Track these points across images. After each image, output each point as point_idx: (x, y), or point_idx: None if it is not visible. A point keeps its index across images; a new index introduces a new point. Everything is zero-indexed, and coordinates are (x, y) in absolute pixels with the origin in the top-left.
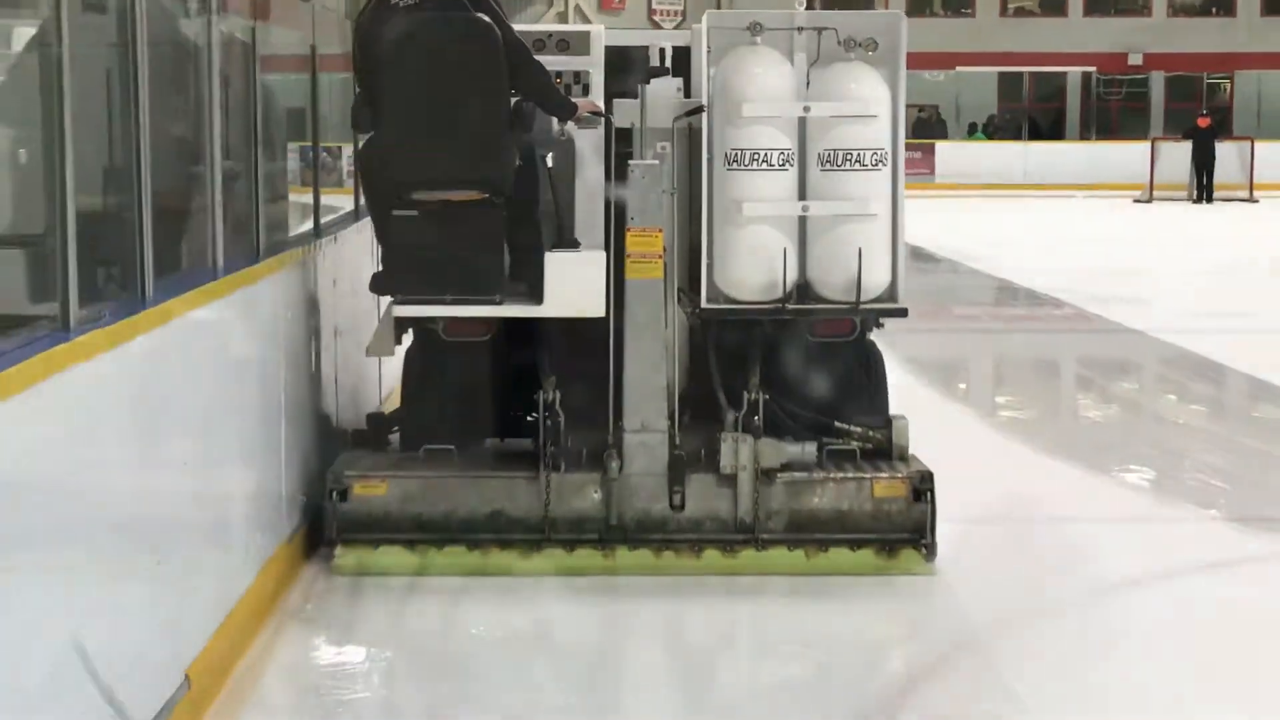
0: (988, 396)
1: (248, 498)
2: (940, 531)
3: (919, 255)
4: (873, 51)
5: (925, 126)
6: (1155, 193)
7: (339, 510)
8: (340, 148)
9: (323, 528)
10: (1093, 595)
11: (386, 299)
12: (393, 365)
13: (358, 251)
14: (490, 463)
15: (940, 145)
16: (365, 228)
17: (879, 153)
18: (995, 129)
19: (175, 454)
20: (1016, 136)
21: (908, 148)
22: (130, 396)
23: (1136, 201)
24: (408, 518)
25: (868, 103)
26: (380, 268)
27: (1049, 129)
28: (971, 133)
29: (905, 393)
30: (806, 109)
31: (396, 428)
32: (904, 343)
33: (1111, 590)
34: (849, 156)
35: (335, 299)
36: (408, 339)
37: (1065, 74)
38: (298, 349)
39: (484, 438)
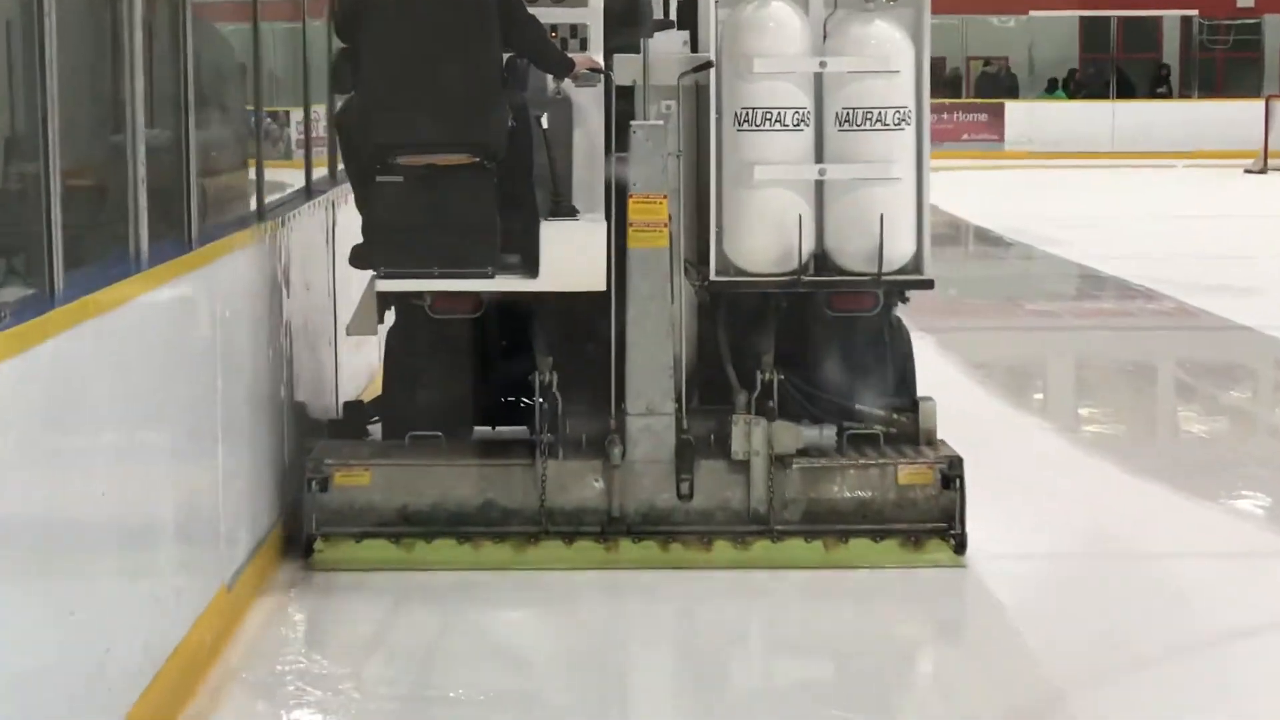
0: (1069, 408)
1: (179, 534)
2: (1013, 568)
3: (985, 238)
4: (894, 1)
5: (992, 83)
6: (1270, 161)
7: (318, 501)
8: (288, 113)
9: (256, 579)
10: (1194, 644)
11: (344, 287)
12: (352, 369)
13: (311, 236)
14: (482, 450)
15: (1010, 106)
16: (319, 208)
17: (901, 111)
18: (1077, 85)
19: (90, 483)
20: (1103, 95)
21: (972, 109)
22: (36, 413)
23: (1248, 172)
24: (393, 509)
25: (889, 57)
26: (361, 239)
27: (1142, 85)
28: (1051, 90)
29: (970, 404)
30: (823, 64)
31: (376, 418)
32: (968, 344)
33: (1217, 639)
34: (869, 115)
35: (284, 293)
36: (390, 318)
37: (1161, 19)
38: (239, 355)
39: (474, 426)
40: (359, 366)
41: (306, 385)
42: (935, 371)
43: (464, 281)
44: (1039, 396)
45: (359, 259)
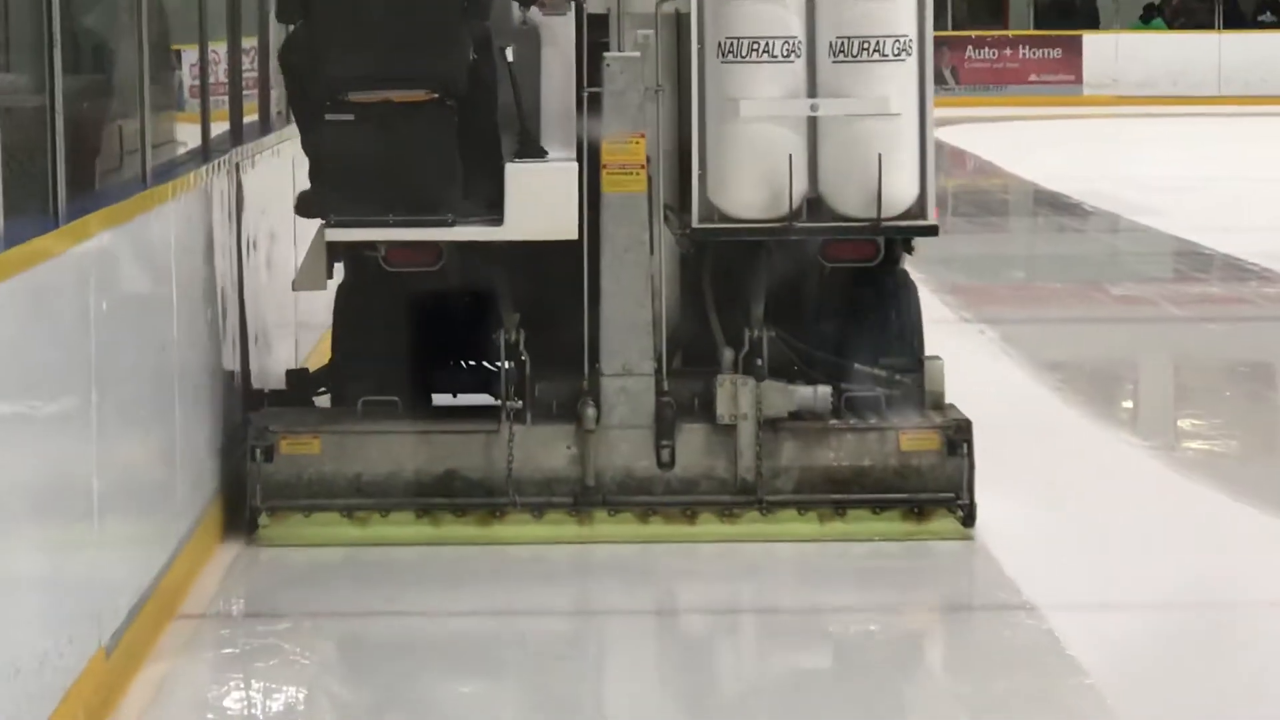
0: (1166, 420)
1: (44, 586)
2: (1096, 622)
3: (1058, 206)
4: None
5: (1066, 10)
6: None
7: (263, 472)
8: (179, 53)
9: (144, 636)
10: None
11: (252, 269)
12: (264, 369)
13: (209, 207)
14: (443, 414)
15: (1090, 39)
16: (219, 172)
17: (902, 40)
18: (1175, 14)
19: None
20: (1207, 24)
21: (1041, 43)
22: None
23: None
24: (345, 480)
25: None
26: (309, 184)
27: (1252, 11)
28: (1147, 20)
29: (1043, 415)
30: None
31: (323, 388)
32: (1040, 340)
33: None
34: (866, 45)
35: (176, 281)
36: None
37: None
38: (117, 360)
39: (434, 392)
40: (271, 366)
41: (204, 391)
42: (998, 374)
43: (422, 230)
44: (1128, 405)
45: (306, 206)
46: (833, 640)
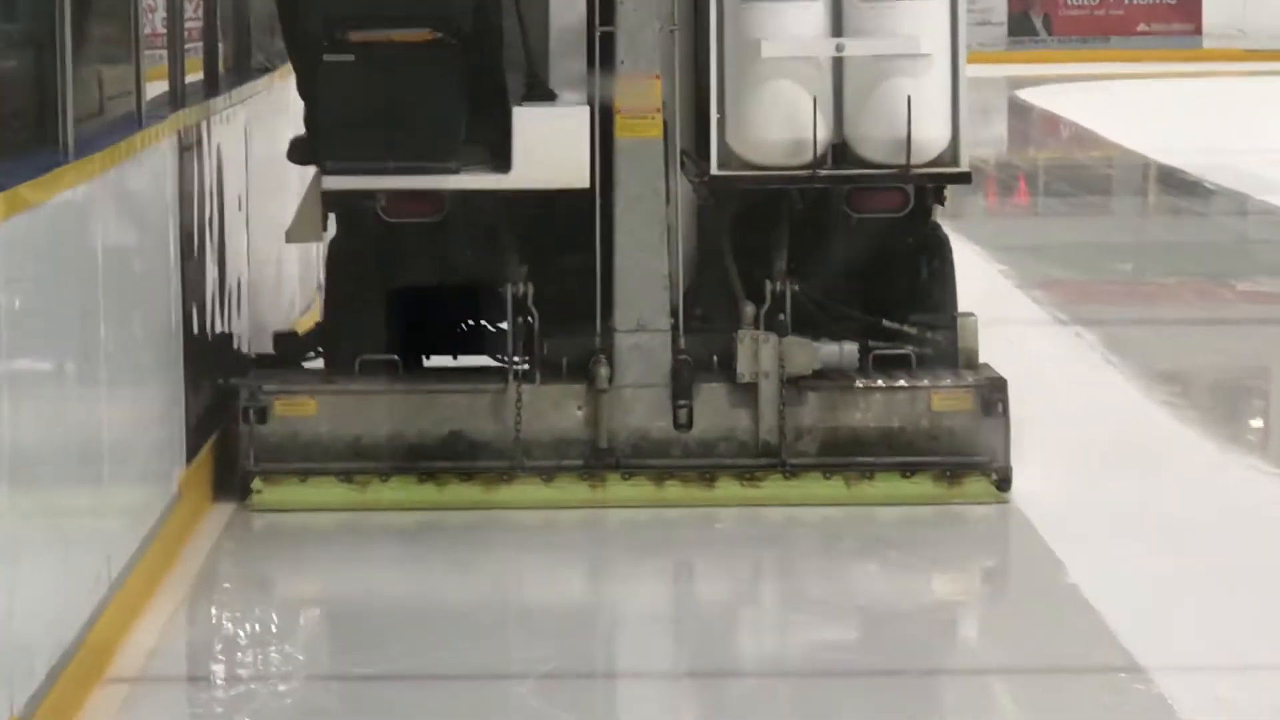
0: None
1: None
2: (1219, 683)
3: (1174, 183)
4: None
5: None
6: None
7: (256, 435)
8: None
9: (68, 701)
10: None
11: (187, 262)
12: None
13: (146, 188)
14: (446, 374)
15: None
16: (157, 142)
17: None
18: None
19: None
20: None
21: None
22: None
23: None
24: (343, 443)
25: None
26: (304, 129)
27: None
28: None
29: (1154, 434)
30: None
31: (312, 352)
32: (1151, 345)
33: None
34: None
35: (104, 270)
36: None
37: None
38: (32, 366)
39: (434, 354)
40: (219, 361)
41: (134, 411)
42: (1100, 386)
43: (424, 178)
44: (1257, 424)
45: (300, 152)
46: (860, 614)
